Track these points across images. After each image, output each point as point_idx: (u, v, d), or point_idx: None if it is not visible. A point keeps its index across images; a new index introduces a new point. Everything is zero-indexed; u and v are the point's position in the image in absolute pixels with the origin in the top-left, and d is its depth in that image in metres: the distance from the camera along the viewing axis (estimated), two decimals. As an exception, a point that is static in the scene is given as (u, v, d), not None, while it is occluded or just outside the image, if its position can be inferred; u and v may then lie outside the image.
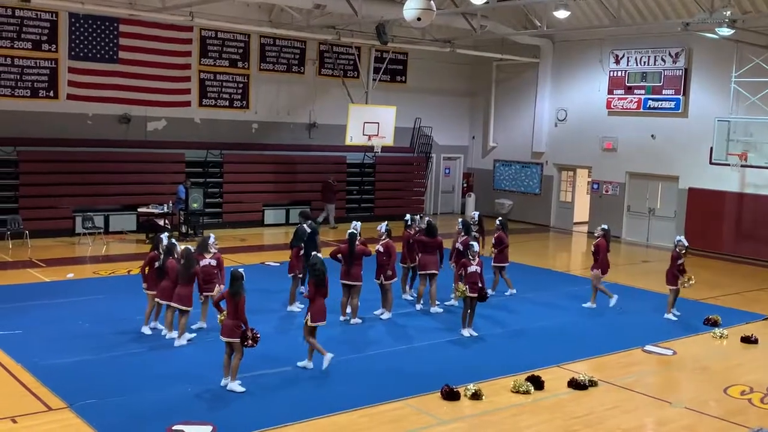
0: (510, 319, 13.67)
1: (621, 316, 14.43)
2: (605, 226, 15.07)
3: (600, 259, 14.60)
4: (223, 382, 9.64)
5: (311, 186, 24.56)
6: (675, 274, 14.10)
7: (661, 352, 12.16)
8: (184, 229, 20.45)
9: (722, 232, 22.10)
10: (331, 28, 22.27)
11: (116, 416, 8.63)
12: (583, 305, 14.82)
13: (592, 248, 14.86)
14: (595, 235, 15.06)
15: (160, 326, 11.88)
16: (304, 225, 14.09)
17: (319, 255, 11.24)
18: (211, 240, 12.09)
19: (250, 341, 9.48)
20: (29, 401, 9.05)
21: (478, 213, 16.60)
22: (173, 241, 11.85)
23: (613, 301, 14.70)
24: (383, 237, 13.44)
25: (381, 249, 13.29)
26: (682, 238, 14.55)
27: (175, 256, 11.57)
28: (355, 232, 13.02)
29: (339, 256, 12.81)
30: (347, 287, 12.84)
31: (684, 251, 14.21)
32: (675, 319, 14.20)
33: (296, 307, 13.54)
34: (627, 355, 11.98)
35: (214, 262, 12.00)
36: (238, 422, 8.57)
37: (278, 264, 16.75)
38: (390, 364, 10.99)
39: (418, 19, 13.49)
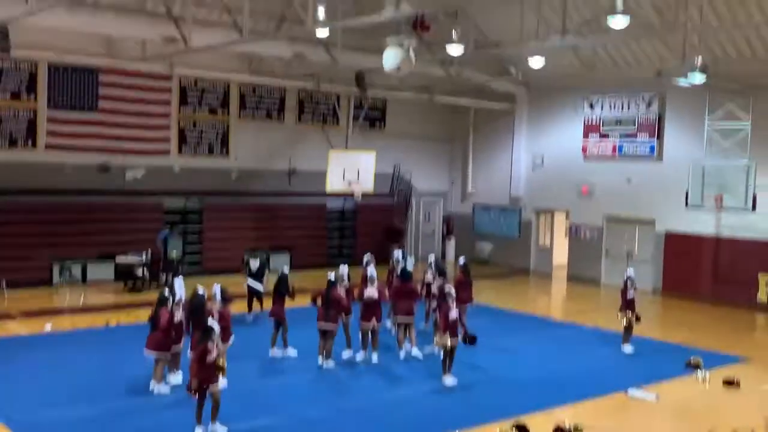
0: (492, 365, 13.63)
1: (602, 360, 14.46)
2: (461, 261, 16.04)
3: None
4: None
5: (292, 232, 24.60)
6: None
7: (645, 397, 12.16)
8: (163, 278, 20.28)
9: (700, 275, 22.25)
10: (310, 76, 22.48)
11: (97, 472, 8.47)
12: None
13: None
14: None
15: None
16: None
17: (200, 290, 11.87)
18: (180, 294, 11.85)
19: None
20: (7, 458, 8.87)
21: (400, 251, 16.79)
22: (165, 292, 11.73)
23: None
24: (374, 283, 13.56)
25: (375, 295, 13.45)
26: (630, 270, 15.46)
27: (168, 306, 11.44)
28: (332, 279, 13.11)
29: (318, 300, 13.10)
30: (323, 332, 12.97)
31: (632, 284, 14.97)
32: (631, 351, 14.90)
33: (292, 352, 13.65)
34: (610, 399, 11.99)
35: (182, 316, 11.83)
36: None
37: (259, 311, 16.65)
38: (374, 413, 10.92)
39: (398, 68, 13.74)
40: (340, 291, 13.41)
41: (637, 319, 15.06)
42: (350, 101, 25.61)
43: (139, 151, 21.83)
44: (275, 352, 13.63)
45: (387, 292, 13.93)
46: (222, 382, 11.25)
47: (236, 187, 24.01)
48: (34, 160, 20.23)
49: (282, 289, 13.78)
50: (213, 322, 10.09)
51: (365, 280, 13.74)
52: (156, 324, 11.38)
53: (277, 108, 24.65)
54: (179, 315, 11.64)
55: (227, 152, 23.73)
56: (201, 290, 11.71)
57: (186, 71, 20.92)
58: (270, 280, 15.81)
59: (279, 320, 13.61)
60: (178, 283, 11.97)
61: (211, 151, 23.40)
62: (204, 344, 9.76)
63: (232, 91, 23.63)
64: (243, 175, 24.13)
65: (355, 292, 13.91)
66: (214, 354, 9.79)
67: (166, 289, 11.82)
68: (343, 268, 13.78)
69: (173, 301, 11.62)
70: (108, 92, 21.11)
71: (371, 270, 13.90)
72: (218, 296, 11.72)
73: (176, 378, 11.85)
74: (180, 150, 22.79)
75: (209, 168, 23.41)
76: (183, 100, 22.75)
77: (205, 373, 9.67)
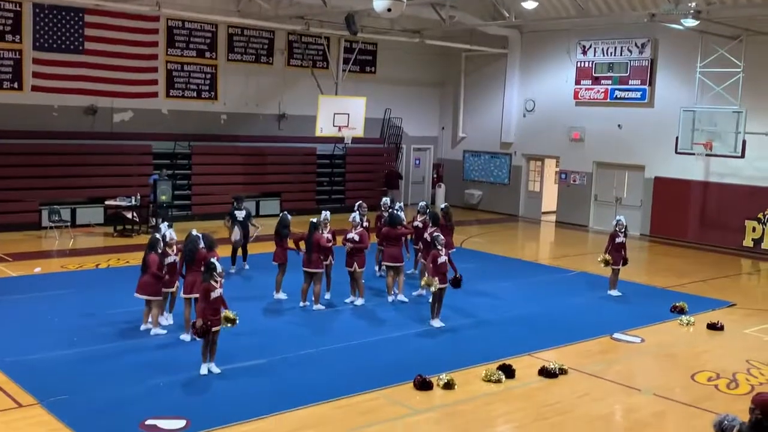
0: (479, 309, 13.76)
1: (589, 304, 14.62)
2: (442, 206, 16.06)
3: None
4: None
5: (281, 177, 24.55)
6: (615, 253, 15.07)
7: (630, 340, 12.35)
8: (153, 221, 20.29)
9: (687, 221, 22.44)
10: (299, 18, 22.15)
11: (88, 412, 8.56)
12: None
13: None
14: None
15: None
16: (285, 213, 14.30)
17: (194, 232, 11.64)
18: (170, 235, 11.77)
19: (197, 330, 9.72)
20: (-1, 398, 8.96)
21: (388, 198, 16.82)
22: (156, 235, 11.71)
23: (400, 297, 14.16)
24: (357, 227, 13.58)
25: (356, 238, 13.44)
26: (622, 217, 15.48)
27: (158, 250, 11.43)
28: (314, 221, 13.16)
29: (300, 243, 13.24)
30: (308, 274, 13.09)
31: (623, 230, 15.13)
32: (618, 294, 15.12)
33: (282, 295, 13.75)
34: (596, 343, 12.14)
35: (176, 257, 11.80)
36: (212, 415, 8.55)
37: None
38: (362, 354, 11.04)
39: (389, 9, 13.57)
40: (326, 235, 13.43)
41: (624, 262, 15.18)
42: (340, 43, 25.30)
43: (126, 94, 21.58)
44: (280, 295, 13.78)
45: (368, 238, 13.89)
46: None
47: (225, 131, 23.86)
48: (21, 102, 19.99)
49: (283, 232, 13.79)
50: (214, 260, 10.07)
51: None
52: (145, 268, 11.39)
53: (266, 51, 24.33)
54: (172, 256, 11.65)
55: (216, 96, 23.50)
56: (195, 232, 11.70)
57: (173, 12, 20.57)
58: (269, 226, 15.78)
59: (281, 264, 13.71)
60: (164, 227, 11.93)
61: (199, 94, 23.16)
62: (207, 282, 9.78)
63: (220, 33, 23.28)
64: (232, 118, 23.96)
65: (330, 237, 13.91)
66: (217, 291, 9.82)
67: (157, 234, 11.79)
68: (325, 213, 13.78)
69: (164, 244, 11.60)
70: (94, 33, 20.75)
71: (354, 215, 13.95)
72: (201, 243, 11.66)
73: (168, 320, 11.93)
74: (168, 93, 22.54)
75: (198, 111, 23.22)
76: (170, 42, 22.41)
77: (210, 311, 9.69)
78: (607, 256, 14.92)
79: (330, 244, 13.43)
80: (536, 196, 27.00)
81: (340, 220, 17.78)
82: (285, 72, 24.79)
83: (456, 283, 12.60)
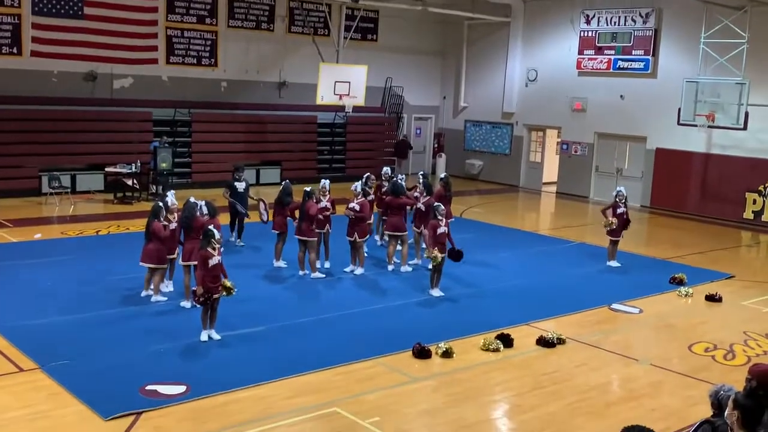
0: (478, 279, 13.79)
1: (588, 275, 14.65)
2: (442, 176, 16.02)
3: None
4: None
5: (282, 146, 24.47)
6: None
7: (628, 311, 12.39)
8: (153, 189, 20.27)
9: (688, 192, 22.42)
10: (301, -15, 21.96)
11: (89, 377, 8.61)
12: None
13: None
14: None
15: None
16: (287, 182, 14.28)
17: (192, 199, 11.69)
18: (172, 201, 11.73)
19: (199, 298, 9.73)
20: (0, 362, 9.00)
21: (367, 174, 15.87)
22: (159, 203, 11.68)
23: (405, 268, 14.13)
24: (359, 196, 13.59)
25: (357, 207, 13.45)
26: (622, 188, 15.44)
27: (160, 219, 11.41)
28: (307, 190, 13.18)
29: (294, 212, 13.32)
30: (301, 242, 13.15)
31: (623, 201, 15.06)
32: (617, 265, 15.09)
33: (282, 263, 13.79)
34: (594, 314, 12.18)
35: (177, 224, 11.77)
36: (212, 381, 8.60)
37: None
38: (361, 322, 11.09)
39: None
40: (325, 203, 13.41)
41: (626, 225, 15.07)
42: (342, 11, 25.08)
43: (126, 60, 21.43)
44: (280, 263, 13.81)
45: (369, 208, 13.91)
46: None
47: (225, 99, 23.74)
48: (20, 67, 19.88)
49: (286, 200, 13.77)
50: (212, 227, 10.07)
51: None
52: (149, 236, 11.38)
53: (266, 17, 24.13)
54: (173, 223, 11.60)
55: (216, 62, 23.34)
56: (192, 200, 11.70)
57: (173, -23, 20.39)
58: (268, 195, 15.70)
59: (282, 233, 13.72)
60: (171, 195, 11.90)
61: (199, 61, 23.00)
62: (204, 249, 9.79)
63: (221, -1, 23.12)
64: (232, 86, 23.83)
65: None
66: (215, 258, 9.83)
67: (161, 202, 11.76)
68: (324, 182, 13.76)
69: (166, 211, 11.58)
70: (93, -2, 20.59)
71: (356, 184, 13.92)
72: (204, 210, 11.65)
73: (169, 287, 11.95)
74: (168, 59, 22.39)
75: (198, 78, 23.08)
76: (170, 8, 22.21)
77: (209, 278, 9.71)
78: (612, 219, 14.85)
79: (328, 212, 13.44)
80: (537, 167, 26.94)
81: (341, 189, 17.75)
82: (286, 39, 24.61)
83: (458, 256, 12.58)
